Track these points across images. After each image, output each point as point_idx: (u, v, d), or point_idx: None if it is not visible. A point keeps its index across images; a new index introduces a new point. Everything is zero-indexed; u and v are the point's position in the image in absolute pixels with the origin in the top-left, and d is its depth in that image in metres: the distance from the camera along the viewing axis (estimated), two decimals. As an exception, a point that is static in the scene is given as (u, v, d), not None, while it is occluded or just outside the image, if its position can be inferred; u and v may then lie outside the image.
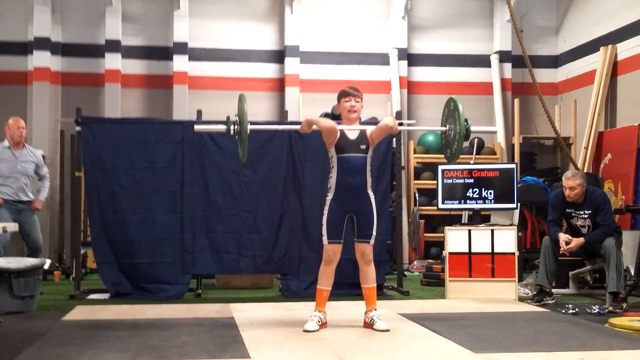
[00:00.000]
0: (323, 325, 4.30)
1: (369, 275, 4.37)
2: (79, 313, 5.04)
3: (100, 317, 4.87)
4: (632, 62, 8.35)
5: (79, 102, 8.28)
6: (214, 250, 6.22)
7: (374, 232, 4.35)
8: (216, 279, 6.88)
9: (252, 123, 4.55)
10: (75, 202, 6.57)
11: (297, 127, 4.49)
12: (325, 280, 4.36)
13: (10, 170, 6.28)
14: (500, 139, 9.51)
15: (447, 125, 4.62)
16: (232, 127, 4.31)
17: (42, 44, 9.00)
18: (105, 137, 6.20)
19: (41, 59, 8.99)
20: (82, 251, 6.86)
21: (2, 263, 5.20)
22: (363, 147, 4.34)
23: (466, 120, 4.42)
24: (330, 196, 4.34)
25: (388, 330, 4.20)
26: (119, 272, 6.12)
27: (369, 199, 4.35)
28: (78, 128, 6.24)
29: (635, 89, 8.22)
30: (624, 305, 5.27)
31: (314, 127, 4.37)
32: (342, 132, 4.34)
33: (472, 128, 4.47)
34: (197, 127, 4.81)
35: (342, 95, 4.43)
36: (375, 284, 4.43)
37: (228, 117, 4.36)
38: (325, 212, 4.33)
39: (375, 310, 4.35)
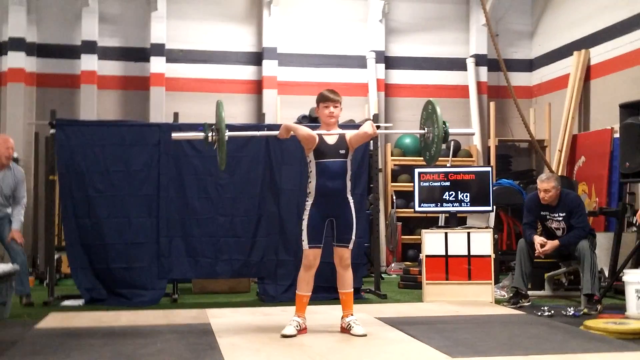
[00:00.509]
0: (303, 330, 4.29)
1: (346, 280, 4.37)
2: (53, 320, 4.97)
3: (74, 324, 4.81)
4: (604, 66, 8.47)
5: (54, 103, 8.18)
6: (190, 254, 6.18)
7: (353, 237, 4.35)
8: (193, 283, 6.82)
9: (230, 126, 4.52)
10: (49, 206, 6.46)
11: (276, 133, 4.47)
12: (305, 285, 4.34)
13: None
14: (477, 141, 9.59)
15: (426, 128, 4.62)
16: (209, 135, 4.28)
17: (17, 44, 8.87)
18: (80, 140, 6.12)
19: (16, 59, 8.86)
20: (56, 256, 6.76)
21: (-27, 270, 5.08)
22: (342, 151, 4.34)
23: (444, 123, 4.43)
24: (309, 201, 4.33)
25: (365, 335, 4.21)
26: (93, 278, 6.04)
27: (348, 204, 4.36)
28: (52, 130, 6.15)
29: (608, 92, 8.34)
30: (599, 307, 5.34)
31: (292, 133, 4.36)
32: (320, 137, 4.33)
33: (450, 130, 4.47)
34: (174, 134, 4.74)
35: (321, 100, 4.42)
36: (352, 289, 4.44)
37: (205, 125, 4.31)
38: (305, 217, 4.32)
39: (352, 315, 4.36)
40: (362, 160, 6.38)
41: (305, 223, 4.30)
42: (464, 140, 9.63)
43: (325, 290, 5.75)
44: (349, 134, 4.39)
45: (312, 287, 4.39)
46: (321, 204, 4.29)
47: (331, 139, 4.36)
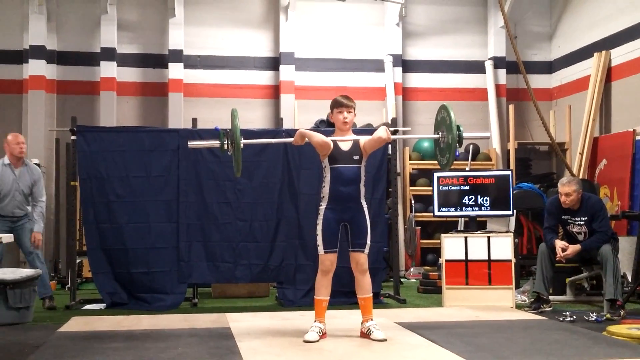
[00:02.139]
0: (323, 335, 4.28)
1: (364, 285, 4.35)
2: (75, 324, 5.01)
3: (96, 328, 4.85)
4: (625, 67, 8.38)
5: (74, 110, 8.28)
6: (209, 259, 6.21)
7: (368, 242, 4.34)
8: (212, 288, 6.85)
9: (247, 132, 4.52)
10: (70, 211, 6.55)
11: (291, 140, 4.48)
12: (324, 290, 4.34)
13: (9, 189, 5.97)
14: (496, 144, 9.53)
15: (440, 133, 4.59)
16: (225, 143, 4.29)
17: (38, 52, 9.00)
18: (100, 146, 6.19)
19: (36, 67, 8.99)
20: (77, 260, 6.84)
21: (-4, 274, 5.16)
22: (356, 157, 4.33)
23: (458, 127, 4.38)
24: (323, 205, 4.33)
25: (385, 340, 4.19)
26: (114, 282, 6.10)
27: (362, 209, 4.34)
28: (73, 137, 6.23)
29: (629, 94, 8.24)
30: (622, 312, 5.27)
31: (307, 139, 4.37)
32: (335, 143, 4.33)
33: (465, 134, 4.41)
34: (190, 143, 4.76)
35: (335, 105, 4.43)
36: (371, 294, 4.41)
37: (220, 133, 4.33)
38: (320, 222, 4.31)
39: (372, 320, 4.34)
40: (381, 164, 6.38)
41: (319, 228, 4.30)
42: (483, 143, 9.57)
43: (344, 295, 5.75)
44: (363, 139, 4.38)
45: (331, 292, 4.39)
46: (335, 208, 4.29)
47: (345, 145, 4.35)
